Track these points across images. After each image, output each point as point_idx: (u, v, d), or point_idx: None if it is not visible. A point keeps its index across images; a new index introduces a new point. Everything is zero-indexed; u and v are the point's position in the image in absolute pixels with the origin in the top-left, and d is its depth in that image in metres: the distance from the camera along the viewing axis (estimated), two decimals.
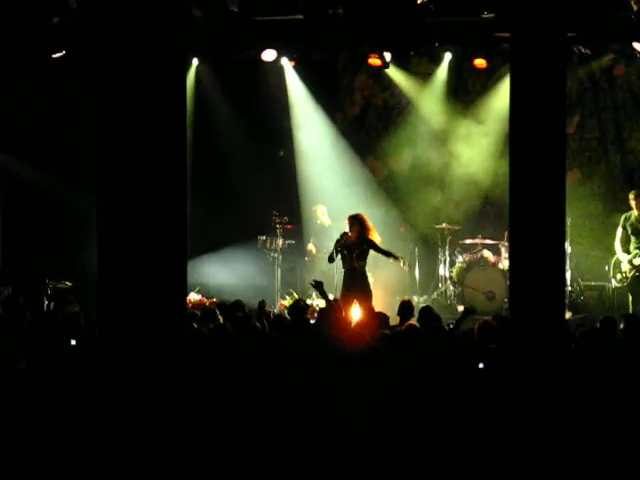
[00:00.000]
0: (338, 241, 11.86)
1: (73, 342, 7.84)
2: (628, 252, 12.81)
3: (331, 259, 11.97)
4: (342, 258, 11.93)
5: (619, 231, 12.94)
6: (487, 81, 15.00)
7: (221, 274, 14.32)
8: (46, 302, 12.53)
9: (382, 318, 8.74)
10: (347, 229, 11.92)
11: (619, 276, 12.88)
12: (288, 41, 13.26)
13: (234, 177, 15.09)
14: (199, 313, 9.51)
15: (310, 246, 14.18)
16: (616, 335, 7.93)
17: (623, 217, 12.97)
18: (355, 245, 11.82)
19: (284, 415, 6.58)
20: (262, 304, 9.20)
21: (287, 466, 6.38)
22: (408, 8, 11.60)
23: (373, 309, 10.31)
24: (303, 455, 6.39)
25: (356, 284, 11.76)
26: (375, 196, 15.31)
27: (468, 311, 9.03)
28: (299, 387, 6.73)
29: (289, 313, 9.08)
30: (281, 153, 15.50)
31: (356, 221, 11.90)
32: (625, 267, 12.79)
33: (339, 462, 6.36)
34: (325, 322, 8.29)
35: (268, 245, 14.12)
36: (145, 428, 6.10)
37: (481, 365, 7.05)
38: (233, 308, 9.30)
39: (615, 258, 12.98)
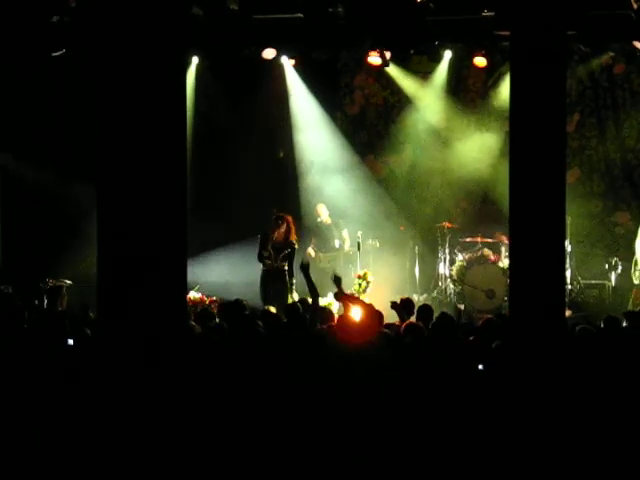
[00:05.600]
0: (265, 240, 12.36)
1: (70, 342, 7.79)
2: None
3: (261, 258, 12.45)
4: (267, 257, 12.42)
5: None
6: (487, 79, 15.00)
7: (221, 272, 14.32)
8: (46, 300, 12.53)
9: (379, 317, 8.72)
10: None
11: (637, 273, 12.91)
12: (288, 40, 13.25)
13: (234, 175, 15.08)
14: (195, 312, 9.50)
15: (310, 249, 14.14)
16: (619, 334, 7.91)
17: None
18: (282, 246, 12.35)
19: (283, 415, 6.57)
20: None
21: (285, 467, 6.38)
22: (408, 6, 11.60)
23: (373, 308, 10.28)
24: (301, 456, 6.39)
25: (277, 283, 12.27)
26: (375, 195, 15.32)
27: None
28: (298, 387, 6.73)
29: (285, 313, 9.07)
30: (280, 154, 15.49)
31: (284, 222, 12.38)
32: None
33: (338, 463, 6.36)
34: (340, 320, 8.25)
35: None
36: (143, 427, 6.10)
37: (480, 367, 7.03)
38: (235, 307, 9.27)
39: (635, 258, 13.02)
